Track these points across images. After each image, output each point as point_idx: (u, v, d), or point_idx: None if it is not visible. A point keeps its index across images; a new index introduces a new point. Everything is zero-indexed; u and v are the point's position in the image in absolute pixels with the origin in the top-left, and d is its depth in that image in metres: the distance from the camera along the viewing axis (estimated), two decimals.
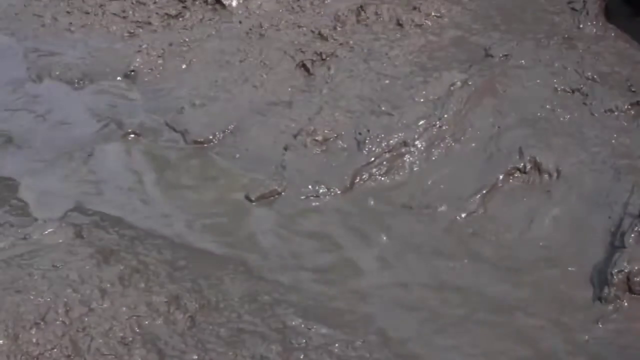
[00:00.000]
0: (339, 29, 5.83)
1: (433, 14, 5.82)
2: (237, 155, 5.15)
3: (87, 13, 6.63)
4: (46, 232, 4.31)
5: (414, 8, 5.82)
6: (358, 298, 4.13)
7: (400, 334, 3.90)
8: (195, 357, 3.67)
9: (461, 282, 4.19)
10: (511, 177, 4.70)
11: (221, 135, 5.28)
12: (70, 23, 6.54)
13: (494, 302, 4.06)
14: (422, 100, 5.11)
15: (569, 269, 4.17)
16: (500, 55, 5.36)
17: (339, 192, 4.79)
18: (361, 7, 5.89)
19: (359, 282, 4.23)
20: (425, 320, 4.00)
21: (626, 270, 3.94)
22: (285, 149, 5.08)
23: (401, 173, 4.86)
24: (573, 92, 5.02)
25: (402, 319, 4.01)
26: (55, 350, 3.58)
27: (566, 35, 5.44)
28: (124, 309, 3.81)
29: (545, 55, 5.31)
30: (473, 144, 4.91)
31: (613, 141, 4.68)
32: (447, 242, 4.45)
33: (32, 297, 3.76)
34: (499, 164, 4.75)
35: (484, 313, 4.00)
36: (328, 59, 5.60)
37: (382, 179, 4.86)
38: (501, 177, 4.70)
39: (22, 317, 3.66)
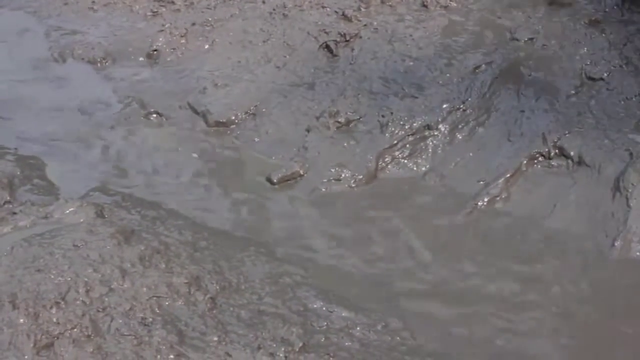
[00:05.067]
0: (363, 9, 5.79)
1: None
2: (259, 137, 5.13)
3: None
4: (67, 211, 4.30)
5: None
6: (379, 282, 4.12)
7: (421, 318, 3.89)
8: (216, 338, 3.65)
9: (482, 269, 4.17)
10: (535, 162, 4.67)
11: (243, 116, 5.26)
12: (93, 1, 6.52)
13: (515, 289, 4.04)
14: (446, 83, 5.08)
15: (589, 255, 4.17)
16: (526, 38, 5.32)
17: (361, 175, 4.76)
18: None
19: (380, 265, 4.22)
20: (446, 305, 3.98)
21: None
22: (308, 130, 5.06)
23: (424, 156, 4.84)
24: (598, 76, 4.97)
25: (423, 303, 3.99)
26: (75, 330, 3.57)
27: (592, 19, 5.38)
28: (145, 289, 3.79)
29: (571, 39, 5.25)
30: (497, 128, 4.88)
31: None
32: (469, 227, 4.43)
33: (52, 276, 3.74)
34: (523, 148, 4.72)
35: (500, 303, 4.00)
36: (352, 40, 5.56)
37: (405, 162, 4.83)
38: (525, 161, 4.66)
39: (42, 296, 3.64)
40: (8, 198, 4.50)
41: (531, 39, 5.31)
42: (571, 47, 5.21)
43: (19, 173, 4.79)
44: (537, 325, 3.84)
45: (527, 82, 5.04)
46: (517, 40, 5.31)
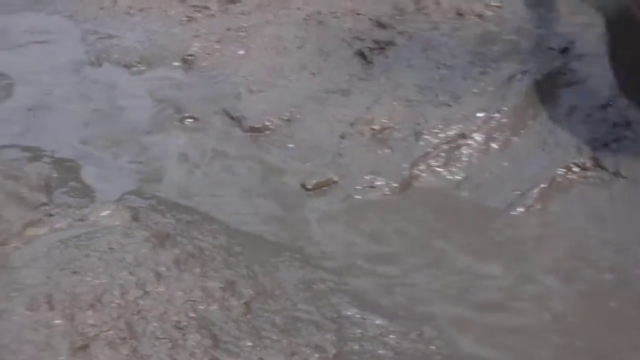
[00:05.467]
0: (398, 17, 5.79)
1: (493, 3, 5.76)
2: (294, 143, 5.13)
3: None
4: (103, 214, 4.33)
5: None
6: (413, 289, 4.11)
7: (456, 327, 3.88)
8: (250, 343, 3.66)
9: (517, 279, 4.15)
10: (570, 173, 4.65)
11: (278, 122, 5.26)
12: (130, 6, 6.56)
13: (549, 301, 4.03)
14: (481, 91, 5.07)
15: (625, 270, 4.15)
16: (562, 47, 5.30)
17: (395, 183, 4.75)
18: None
19: (414, 274, 4.20)
20: (480, 314, 3.97)
21: None
22: (342, 137, 5.06)
23: (459, 165, 4.83)
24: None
25: (456, 312, 3.98)
26: (110, 332, 3.59)
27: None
28: (179, 293, 3.81)
29: (606, 49, 5.23)
30: (532, 138, 4.87)
31: None
32: (503, 237, 4.41)
33: (88, 279, 3.77)
34: (558, 159, 4.70)
35: (535, 313, 3.98)
36: (386, 47, 5.56)
37: (440, 170, 4.82)
38: (560, 172, 4.64)
39: (78, 298, 3.68)
40: (45, 200, 4.53)
41: (567, 48, 5.29)
42: (606, 57, 5.18)
43: (55, 175, 4.82)
44: (573, 335, 3.83)
45: (563, 92, 5.02)
46: (553, 49, 5.30)
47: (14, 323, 3.58)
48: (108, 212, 4.34)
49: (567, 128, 4.82)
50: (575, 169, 4.65)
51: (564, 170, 4.64)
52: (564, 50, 5.29)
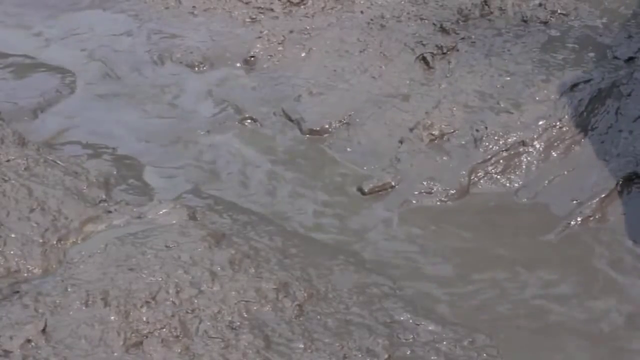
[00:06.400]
0: (461, 22, 5.76)
1: (559, 11, 5.70)
2: (352, 146, 5.13)
3: None
4: (161, 212, 4.36)
5: (540, 4, 5.72)
6: (467, 297, 4.09)
7: (509, 335, 3.85)
8: (302, 345, 3.67)
9: (573, 291, 4.11)
10: (631, 183, 4.59)
11: (337, 125, 5.26)
12: (194, 6, 6.58)
13: (606, 316, 3.98)
14: (543, 99, 5.02)
15: None
16: (627, 57, 5.23)
17: (453, 189, 4.73)
18: (485, 1, 5.80)
19: (469, 281, 4.19)
20: (532, 323, 3.94)
21: None
22: (401, 142, 5.04)
23: (518, 173, 4.79)
24: None
25: (509, 320, 3.96)
26: (164, 330, 3.62)
27: None
28: (233, 293, 3.83)
29: None
30: (593, 147, 4.81)
31: None
32: (561, 246, 4.37)
33: (144, 276, 3.81)
34: (619, 169, 4.65)
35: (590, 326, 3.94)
36: (449, 52, 5.53)
37: (498, 177, 4.79)
38: (620, 182, 4.59)
39: (133, 295, 3.71)
40: (104, 197, 4.58)
41: (632, 58, 5.22)
42: None
43: (115, 173, 4.88)
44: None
45: (626, 102, 4.96)
46: (618, 58, 5.23)
47: (69, 318, 3.63)
48: (165, 210, 4.38)
49: (629, 138, 4.76)
50: (637, 180, 4.59)
51: (624, 180, 4.59)
52: (629, 60, 5.22)
